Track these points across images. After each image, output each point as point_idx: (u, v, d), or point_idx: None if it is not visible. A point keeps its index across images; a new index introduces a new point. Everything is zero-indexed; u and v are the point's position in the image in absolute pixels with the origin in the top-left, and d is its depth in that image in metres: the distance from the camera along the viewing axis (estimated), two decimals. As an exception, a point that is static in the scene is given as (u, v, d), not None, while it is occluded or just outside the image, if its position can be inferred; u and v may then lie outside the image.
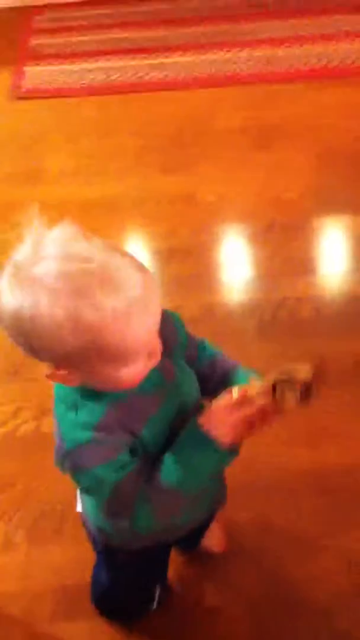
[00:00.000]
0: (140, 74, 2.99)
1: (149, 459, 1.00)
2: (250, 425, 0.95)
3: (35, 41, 3.30)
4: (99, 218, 2.28)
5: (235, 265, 2.19)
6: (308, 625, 1.40)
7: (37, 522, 1.56)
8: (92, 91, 2.94)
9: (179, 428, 1.00)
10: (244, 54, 3.07)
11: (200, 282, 2.09)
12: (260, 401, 0.93)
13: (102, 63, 3.08)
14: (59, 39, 3.29)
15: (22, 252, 0.84)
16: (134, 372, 0.91)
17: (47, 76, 3.05)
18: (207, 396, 1.07)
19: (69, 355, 0.85)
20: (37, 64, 3.13)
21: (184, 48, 3.14)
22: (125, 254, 0.87)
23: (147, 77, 2.97)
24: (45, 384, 0.98)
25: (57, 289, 0.81)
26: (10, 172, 2.56)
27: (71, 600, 1.44)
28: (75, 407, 0.95)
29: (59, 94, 2.95)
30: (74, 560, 1.46)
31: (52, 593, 1.45)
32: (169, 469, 0.97)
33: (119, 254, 0.86)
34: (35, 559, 1.51)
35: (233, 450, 0.98)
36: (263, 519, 1.55)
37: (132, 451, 0.98)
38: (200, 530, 1.47)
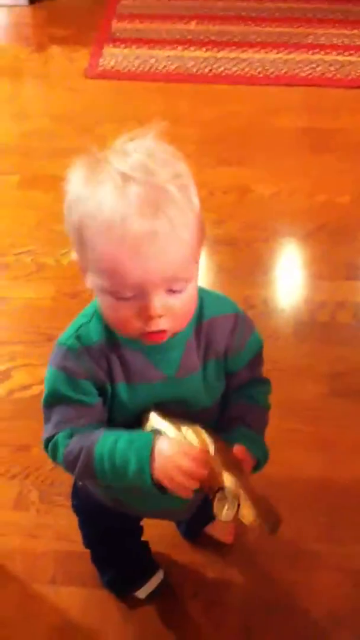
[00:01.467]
0: (212, 67, 3.00)
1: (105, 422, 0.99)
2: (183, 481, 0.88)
3: (116, 25, 3.34)
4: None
5: (280, 263, 2.19)
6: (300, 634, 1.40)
7: (50, 487, 1.59)
8: (163, 78, 2.96)
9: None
10: (317, 57, 3.05)
11: (242, 275, 2.09)
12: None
13: (177, 52, 3.10)
14: (139, 25, 3.33)
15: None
16: (116, 309, 0.88)
17: (122, 59, 3.08)
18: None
19: (73, 236, 0.88)
20: (115, 47, 3.17)
21: (258, 45, 3.13)
22: (183, 194, 0.84)
23: (219, 71, 2.98)
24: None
25: (88, 176, 0.87)
26: (75, 148, 2.58)
27: (72, 566, 1.47)
28: (90, 317, 0.97)
29: (131, 77, 2.98)
30: (81, 528, 1.49)
31: (55, 556, 1.48)
32: (105, 440, 0.94)
33: (177, 191, 0.83)
34: (44, 522, 1.54)
35: (159, 487, 0.91)
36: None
37: (100, 394, 0.97)
38: (203, 519, 1.48)
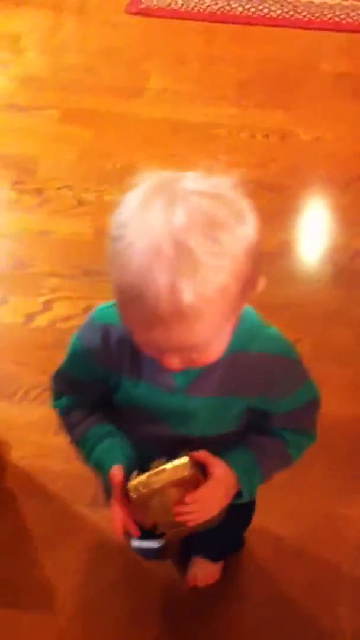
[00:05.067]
0: (257, 9, 2.94)
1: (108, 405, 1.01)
2: None
3: None
4: (192, 142, 2.30)
5: (319, 208, 2.19)
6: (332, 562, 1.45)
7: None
8: (207, 18, 2.91)
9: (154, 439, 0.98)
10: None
11: (281, 219, 2.10)
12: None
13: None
14: None
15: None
16: (139, 344, 0.83)
17: (166, -3, 3.03)
18: None
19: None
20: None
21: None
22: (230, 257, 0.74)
23: (263, 13, 2.92)
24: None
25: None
26: (115, 84, 2.58)
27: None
28: None
29: (173, 15, 2.93)
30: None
31: (95, 481, 1.53)
32: (92, 438, 1.02)
33: (216, 266, 0.73)
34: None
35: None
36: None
37: (106, 380, 0.97)
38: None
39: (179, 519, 0.93)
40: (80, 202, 2.15)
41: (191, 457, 0.91)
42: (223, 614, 1.38)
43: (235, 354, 0.89)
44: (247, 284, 0.78)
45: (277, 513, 1.46)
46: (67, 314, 1.86)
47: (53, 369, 1.72)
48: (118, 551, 1.45)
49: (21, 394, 1.70)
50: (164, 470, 0.91)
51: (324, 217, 2.17)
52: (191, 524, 0.95)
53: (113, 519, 0.96)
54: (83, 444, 1.03)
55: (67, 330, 1.81)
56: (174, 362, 0.81)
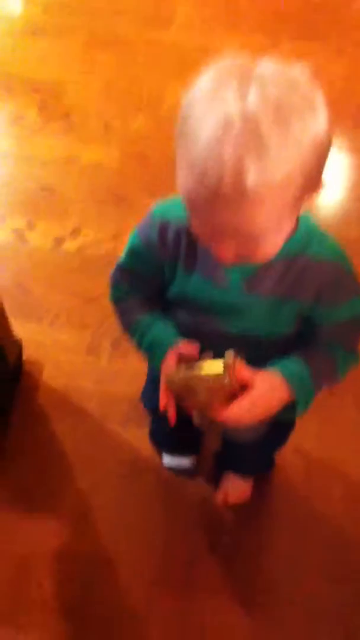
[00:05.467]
0: None
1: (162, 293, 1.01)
2: None
3: None
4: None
5: (351, 146, 2.14)
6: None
7: (120, 336, 1.64)
8: None
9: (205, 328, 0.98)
10: None
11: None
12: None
13: None
14: None
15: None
16: (196, 229, 0.83)
17: None
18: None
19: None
20: None
21: None
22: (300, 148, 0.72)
23: None
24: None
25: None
26: (142, 11, 2.51)
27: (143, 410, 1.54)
28: None
29: None
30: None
31: (128, 401, 1.54)
32: (146, 321, 1.01)
33: (292, 137, 0.71)
34: (116, 368, 1.60)
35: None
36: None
37: (162, 273, 0.97)
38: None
39: (219, 420, 0.93)
40: (107, 129, 2.11)
41: (228, 367, 0.89)
42: (255, 534, 1.40)
43: (292, 257, 0.89)
44: (311, 180, 0.76)
45: (309, 435, 1.47)
46: (95, 239, 1.85)
47: (82, 293, 1.76)
48: (151, 468, 1.47)
49: (51, 316, 1.71)
50: (199, 377, 0.90)
51: (356, 155, 2.13)
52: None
53: (162, 395, 0.96)
54: (136, 328, 1.02)
55: (95, 255, 1.82)
56: (228, 251, 0.81)
